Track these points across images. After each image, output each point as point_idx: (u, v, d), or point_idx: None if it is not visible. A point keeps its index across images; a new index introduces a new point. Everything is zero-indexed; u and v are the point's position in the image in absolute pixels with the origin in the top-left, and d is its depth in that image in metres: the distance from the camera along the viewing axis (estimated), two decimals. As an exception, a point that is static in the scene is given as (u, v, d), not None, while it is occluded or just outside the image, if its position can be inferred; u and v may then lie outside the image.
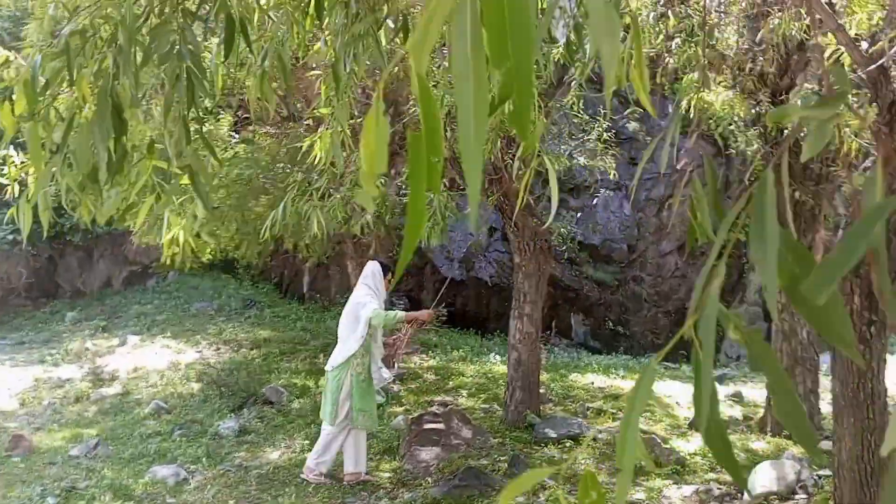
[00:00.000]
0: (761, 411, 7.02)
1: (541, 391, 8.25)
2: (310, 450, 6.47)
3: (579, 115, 7.84)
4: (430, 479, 5.54)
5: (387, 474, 5.80)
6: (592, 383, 9.14)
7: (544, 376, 9.49)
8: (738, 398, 7.93)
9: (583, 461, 5.96)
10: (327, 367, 5.81)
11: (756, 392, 8.06)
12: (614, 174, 8.45)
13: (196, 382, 9.78)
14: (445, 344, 12.42)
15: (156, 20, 1.90)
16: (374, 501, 5.29)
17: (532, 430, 6.65)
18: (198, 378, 9.92)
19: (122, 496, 5.20)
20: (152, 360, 11.65)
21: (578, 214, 14.88)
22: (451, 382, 9.17)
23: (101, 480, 5.56)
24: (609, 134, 8.51)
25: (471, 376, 9.45)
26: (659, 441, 6.15)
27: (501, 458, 5.76)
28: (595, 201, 14.99)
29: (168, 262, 10.47)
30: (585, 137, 8.30)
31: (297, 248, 9.39)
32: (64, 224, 16.21)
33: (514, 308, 7.14)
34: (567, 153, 8.15)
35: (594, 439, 6.46)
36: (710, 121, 10.62)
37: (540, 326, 7.13)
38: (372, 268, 6.29)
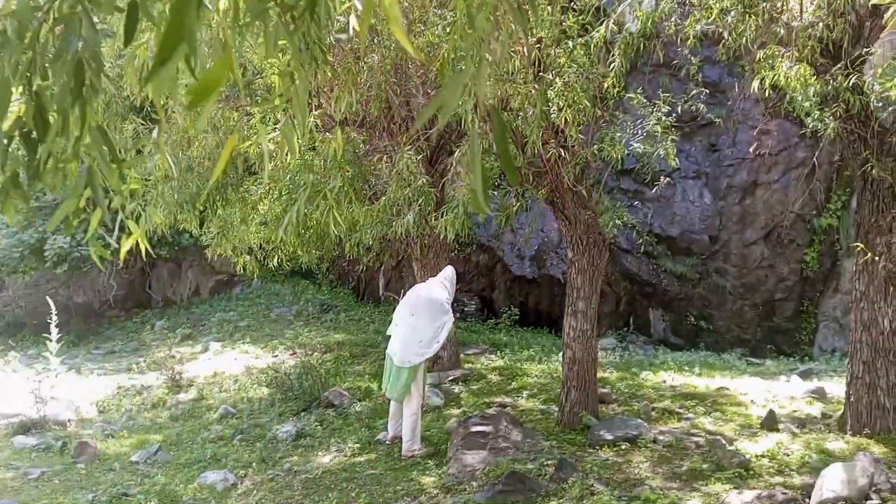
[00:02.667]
0: (842, 409, 6.44)
1: (604, 390, 7.91)
2: (359, 453, 6.44)
3: (636, 97, 7.42)
4: (474, 484, 5.35)
5: (432, 479, 5.65)
6: (664, 382, 8.70)
7: (612, 375, 9.13)
8: (819, 395, 7.33)
9: (638, 465, 5.61)
10: (405, 363, 6.26)
11: (841, 389, 7.43)
12: (674, 161, 7.95)
13: (266, 387, 9.93)
14: (515, 343, 12.17)
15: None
16: (415, 507, 5.15)
17: (587, 432, 6.34)
18: (268, 383, 10.07)
19: (170, 502, 5.27)
20: (230, 365, 11.95)
21: (654, 206, 14.30)
22: (514, 383, 8.92)
23: (153, 486, 5.67)
24: (670, 118, 8.04)
25: (535, 376, 9.18)
26: (724, 443, 5.72)
27: (549, 462, 5.49)
28: (673, 191, 14.36)
29: (241, 269, 10.71)
30: (643, 122, 7.86)
31: (359, 251, 9.35)
32: (152, 237, 16.90)
33: (568, 305, 6.85)
34: (623, 140, 7.73)
35: (654, 441, 6.08)
36: (788, 100, 9.97)
37: (595, 323, 6.81)
38: (451, 273, 7.04)
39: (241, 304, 17.15)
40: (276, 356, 12.37)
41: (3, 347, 11.40)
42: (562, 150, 6.31)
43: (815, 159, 13.30)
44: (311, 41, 2.17)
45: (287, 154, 6.23)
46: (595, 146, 8.02)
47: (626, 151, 8.59)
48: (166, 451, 6.89)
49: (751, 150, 13.43)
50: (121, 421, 8.84)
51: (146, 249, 2.81)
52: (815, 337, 12.86)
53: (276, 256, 10.17)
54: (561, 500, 4.97)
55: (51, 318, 11.13)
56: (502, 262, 14.70)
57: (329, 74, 8.85)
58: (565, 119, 5.94)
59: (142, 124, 7.90)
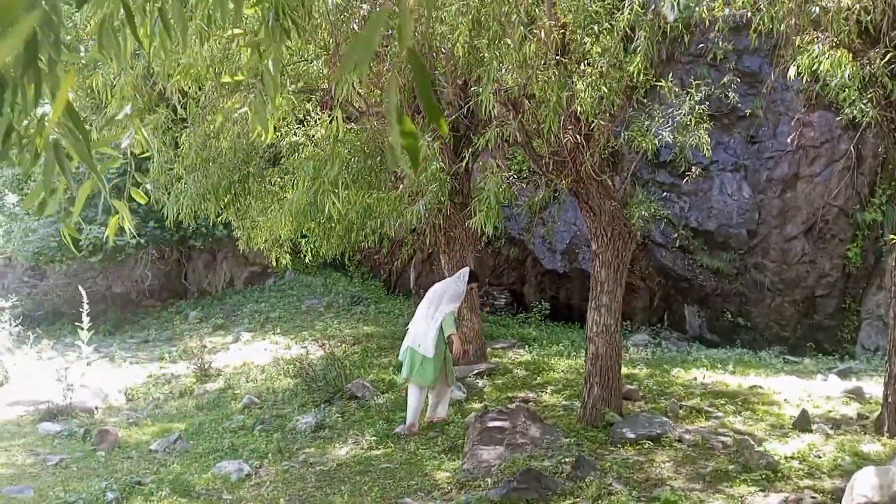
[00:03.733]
0: (879, 410, 6.13)
1: (630, 387, 7.69)
2: (376, 446, 6.36)
3: (668, 84, 7.14)
4: (489, 481, 5.20)
5: (446, 474, 5.52)
6: (695, 379, 8.43)
7: (641, 372, 8.89)
8: (856, 395, 7.00)
9: (660, 465, 5.40)
10: (428, 353, 6.79)
11: (881, 389, 7.09)
12: (707, 151, 7.66)
13: (292, 378, 9.92)
14: (544, 338, 11.98)
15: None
16: (428, 502, 5.03)
17: (609, 429, 6.15)
18: (294, 374, 10.05)
19: (182, 491, 5.24)
20: (259, 355, 12.00)
21: (690, 199, 13.93)
22: (539, 378, 8.75)
23: (167, 475, 5.65)
24: (704, 107, 7.75)
25: (562, 372, 8.99)
26: (752, 443, 5.48)
27: (567, 460, 5.32)
28: (710, 184, 13.97)
29: (274, 262, 10.70)
30: (675, 111, 7.59)
31: (377, 241, 9.26)
32: (187, 228, 17.10)
33: (592, 298, 6.65)
34: (653, 130, 7.48)
35: (679, 440, 5.86)
36: (828, 88, 9.58)
37: (619, 318, 6.59)
38: (464, 271, 7.31)
39: (274, 296, 17.25)
40: (305, 347, 12.36)
41: (38, 335, 11.58)
42: (579, 138, 6.09)
43: (856, 148, 12.80)
44: (281, 12, 2.05)
45: (263, 133, 6.18)
46: (624, 136, 7.79)
47: (657, 142, 8.36)
48: (186, 440, 6.89)
49: (789, 139, 12.97)
50: (147, 409, 8.91)
51: (129, 230, 2.71)
52: (857, 335, 12.39)
53: (306, 248, 10.15)
54: (577, 500, 4.80)
55: (82, 308, 11.32)
56: (533, 255, 14.49)
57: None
58: (586, 107, 5.73)
59: (171, 116, 7.92)
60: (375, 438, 6.52)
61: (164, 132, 7.54)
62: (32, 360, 12.04)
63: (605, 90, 7.33)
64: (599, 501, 4.73)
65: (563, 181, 6.64)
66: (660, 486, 4.98)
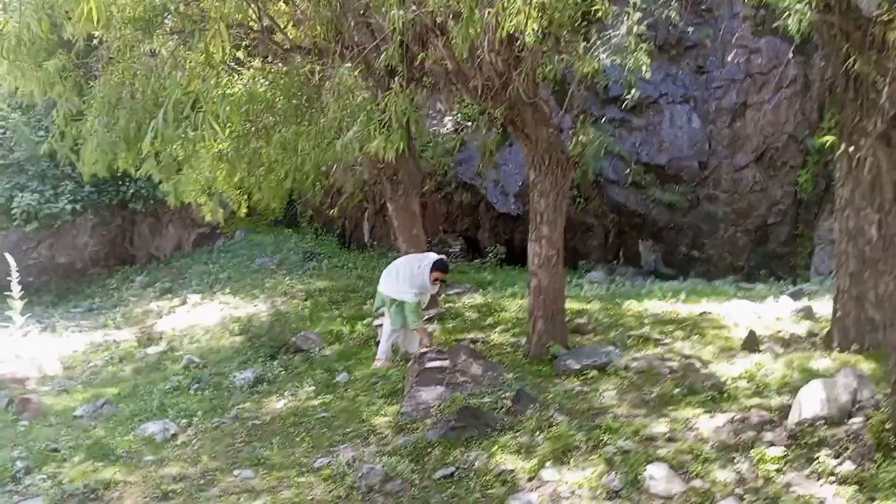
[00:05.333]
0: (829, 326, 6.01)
1: (580, 321, 7.51)
2: (314, 397, 6.09)
3: (601, 5, 6.78)
4: (427, 422, 4.96)
5: (386, 419, 5.27)
6: (646, 310, 8.27)
7: (593, 307, 8.71)
8: (807, 314, 6.89)
9: (604, 393, 5.21)
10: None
11: (830, 307, 7.00)
12: (648, 72, 7.35)
13: (240, 336, 9.56)
14: (500, 281, 11.76)
15: None
16: (362, 448, 4.77)
17: (554, 362, 5.94)
18: (241, 332, 9.70)
19: (99, 455, 4.90)
20: (207, 317, 11.59)
21: (641, 134, 13.71)
22: (490, 319, 8.52)
23: (87, 440, 5.30)
24: (642, 26, 7.40)
25: (513, 311, 8.77)
26: (698, 366, 5.32)
27: (508, 395, 5.10)
28: (660, 117, 13.74)
29: (207, 216, 10.19)
30: (612, 33, 7.24)
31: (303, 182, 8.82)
32: (126, 191, 16.45)
33: (532, 230, 6.39)
34: (590, 53, 7.14)
35: (625, 368, 5.67)
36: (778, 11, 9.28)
37: (561, 249, 6.34)
38: (424, 260, 7.09)
39: (224, 257, 16.75)
40: (256, 306, 11.99)
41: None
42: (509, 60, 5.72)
43: (804, 73, 12.65)
44: None
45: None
46: (557, 60, 7.45)
47: (603, 73, 8.03)
48: (114, 405, 6.53)
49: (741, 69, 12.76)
50: (82, 377, 8.51)
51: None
52: (811, 261, 12.39)
53: (238, 200, 9.72)
54: (517, 433, 4.58)
55: (11, 276, 10.77)
56: (486, 200, 14.19)
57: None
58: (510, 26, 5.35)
59: (73, 61, 7.35)
60: (313, 389, 6.24)
61: (64, 79, 6.97)
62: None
63: (546, 23, 6.98)
64: (539, 433, 4.52)
65: (497, 109, 6.30)
66: (602, 414, 4.79)
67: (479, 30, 5.20)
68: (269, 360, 7.84)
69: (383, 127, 5.18)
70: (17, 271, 11.07)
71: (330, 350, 7.99)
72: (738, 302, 8.13)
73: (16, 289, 10.64)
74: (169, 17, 7.59)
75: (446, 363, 5.68)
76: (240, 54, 10.14)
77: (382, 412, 5.42)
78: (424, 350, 6.47)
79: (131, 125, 6.51)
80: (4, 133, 15.42)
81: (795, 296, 8.20)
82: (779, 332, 6.48)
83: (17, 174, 15.30)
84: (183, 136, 7.69)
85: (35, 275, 18.81)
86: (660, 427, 4.49)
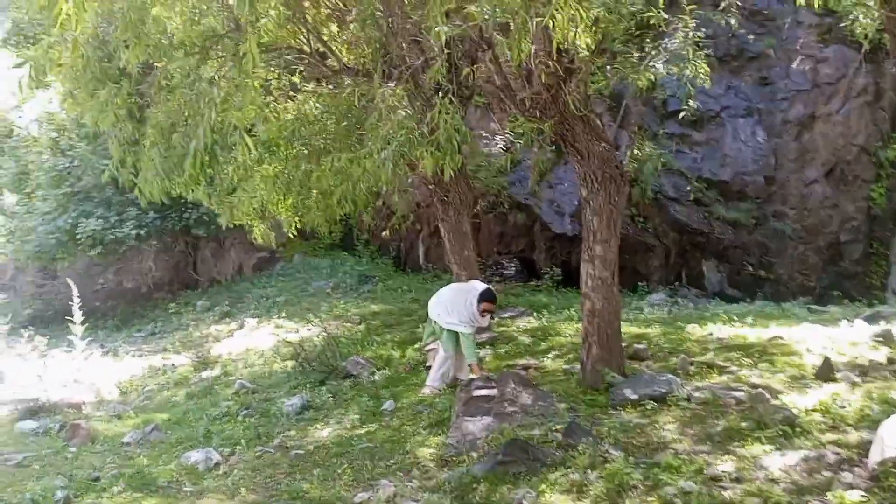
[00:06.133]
0: (913, 353, 5.51)
1: (639, 346, 7.14)
2: (360, 425, 5.91)
3: (655, 13, 6.51)
4: (474, 455, 4.70)
5: (430, 450, 5.03)
6: (711, 334, 7.83)
7: (653, 330, 8.32)
8: (885, 339, 6.36)
9: (664, 426, 4.85)
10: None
11: (913, 332, 6.46)
12: (707, 80, 6.98)
13: (291, 361, 9.51)
14: (555, 304, 11.42)
15: None
16: (405, 482, 4.54)
17: (610, 391, 5.60)
18: (293, 356, 9.65)
19: (139, 485, 4.82)
20: (262, 341, 11.62)
21: (703, 149, 13.21)
22: (544, 344, 8.22)
23: (130, 469, 5.24)
24: (700, 32, 7.06)
25: (569, 336, 8.44)
26: (768, 397, 4.91)
27: (559, 427, 4.80)
28: (722, 131, 13.23)
29: (259, 239, 10.21)
30: (665, 42, 6.94)
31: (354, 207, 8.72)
32: (189, 217, 16.77)
33: (584, 250, 6.09)
34: (646, 63, 6.84)
35: (686, 399, 5.29)
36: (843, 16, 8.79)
37: (616, 269, 6.02)
38: (473, 292, 6.85)
39: (281, 280, 16.88)
40: (310, 330, 11.97)
41: (32, 334, 11.30)
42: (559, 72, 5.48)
43: (875, 82, 11.99)
44: None
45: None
46: (610, 71, 7.18)
47: (662, 90, 7.68)
48: (163, 431, 6.50)
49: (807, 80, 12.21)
50: (136, 401, 8.56)
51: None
52: (887, 281, 11.65)
53: (288, 222, 9.69)
54: (568, 470, 4.28)
55: (73, 302, 10.95)
56: (541, 220, 13.89)
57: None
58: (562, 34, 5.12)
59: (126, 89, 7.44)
60: (359, 417, 6.06)
61: (118, 107, 7.05)
62: (32, 358, 11.78)
63: (600, 37, 6.74)
64: (592, 470, 4.20)
65: (547, 124, 6.06)
66: (662, 450, 4.44)
67: (530, 42, 4.99)
68: (318, 386, 7.71)
69: (433, 146, 4.98)
70: (81, 296, 11.30)
71: (379, 375, 7.81)
72: (809, 326, 7.62)
73: (77, 314, 10.84)
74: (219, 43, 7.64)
75: (494, 392, 5.42)
76: (295, 79, 10.23)
77: (427, 443, 5.19)
78: (472, 377, 6.23)
79: (188, 152, 6.51)
80: (72, 162, 15.94)
81: (872, 319, 7.63)
82: (855, 358, 5.99)
83: (83, 201, 15.78)
84: (233, 160, 7.71)
85: (102, 299, 19.41)
86: (725, 465, 4.12)
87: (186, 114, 7.32)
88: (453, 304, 6.76)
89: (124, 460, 5.65)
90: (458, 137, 5.08)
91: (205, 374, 9.68)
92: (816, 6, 6.73)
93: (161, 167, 7.14)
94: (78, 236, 14.94)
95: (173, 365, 10.74)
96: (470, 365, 6.70)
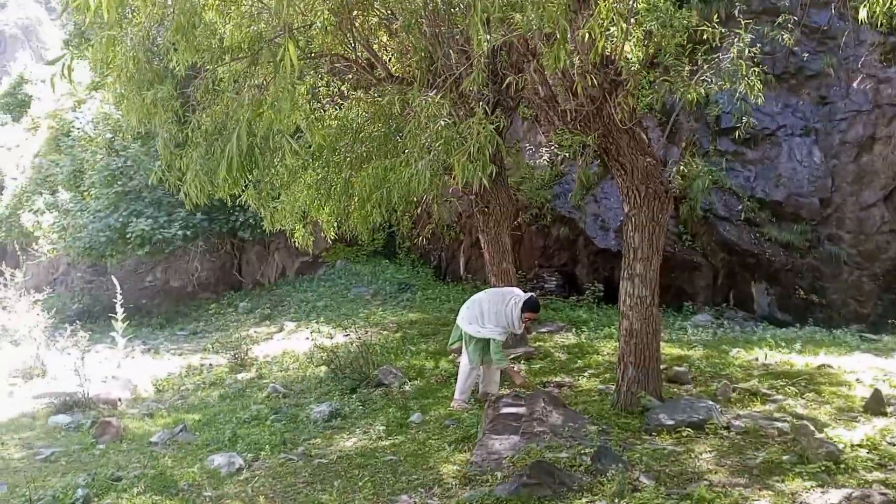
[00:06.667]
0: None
1: (679, 369, 6.90)
2: (385, 437, 5.80)
3: (708, 26, 6.29)
4: (498, 475, 4.54)
5: (454, 467, 4.89)
6: (756, 359, 7.53)
7: (696, 353, 8.04)
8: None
9: (700, 455, 4.62)
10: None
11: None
12: (760, 97, 6.71)
13: (325, 366, 9.48)
14: (595, 321, 11.18)
15: None
16: (425, 499, 4.41)
17: (645, 415, 5.39)
18: (326, 362, 9.63)
19: (160, 488, 4.79)
20: (300, 344, 11.65)
21: (756, 168, 12.81)
22: (581, 362, 8.02)
23: (153, 470, 5.22)
24: (755, 48, 6.80)
25: (606, 354, 8.23)
26: (812, 429, 4.64)
27: (588, 450, 4.61)
28: (777, 150, 12.81)
29: (300, 243, 10.24)
30: (718, 56, 6.69)
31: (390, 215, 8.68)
32: (236, 220, 16.99)
33: (624, 268, 5.90)
34: (697, 77, 6.59)
35: (726, 427, 5.05)
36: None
37: (656, 288, 5.81)
38: (515, 299, 6.55)
39: (323, 285, 16.97)
40: (347, 336, 11.95)
41: (75, 329, 11.51)
42: (605, 84, 5.32)
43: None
44: None
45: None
46: (657, 84, 6.96)
47: (716, 105, 7.39)
48: (192, 432, 6.49)
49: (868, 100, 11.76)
50: (171, 400, 8.61)
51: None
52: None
53: (327, 227, 9.69)
54: (595, 497, 4.09)
55: (116, 300, 11.15)
56: (584, 234, 13.64)
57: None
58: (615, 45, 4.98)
59: (172, 91, 7.52)
60: (385, 428, 5.95)
61: (165, 109, 7.13)
62: (75, 353, 12.02)
63: (652, 51, 6.55)
64: (620, 498, 4.01)
65: (591, 136, 5.90)
66: (696, 480, 4.22)
67: (569, 52, 4.85)
68: (348, 394, 7.65)
69: (465, 156, 4.87)
70: (129, 294, 11.51)
71: (410, 386, 7.72)
72: (861, 355, 7.27)
73: (119, 311, 11.02)
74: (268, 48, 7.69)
75: (523, 410, 5.25)
76: (344, 87, 10.26)
77: (451, 459, 5.05)
78: (502, 393, 6.08)
79: (232, 155, 6.53)
80: (125, 162, 16.30)
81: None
82: (909, 392, 5.67)
83: (134, 201, 16.11)
84: (278, 164, 7.72)
85: (149, 297, 19.81)
86: (762, 501, 3.88)
87: (231, 118, 7.37)
88: (490, 308, 6.53)
89: (149, 460, 5.65)
90: (491, 148, 4.94)
91: (240, 376, 9.71)
92: (880, 24, 6.42)
93: (202, 170, 7.19)
94: (128, 235, 15.25)
95: (210, 365, 10.81)
96: (498, 370, 6.56)
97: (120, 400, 8.41)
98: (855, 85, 12.44)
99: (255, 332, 13.56)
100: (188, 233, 15.90)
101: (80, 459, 5.79)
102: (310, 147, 8.36)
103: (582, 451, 4.62)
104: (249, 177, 7.46)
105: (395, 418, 6.25)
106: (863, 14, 5.89)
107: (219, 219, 16.86)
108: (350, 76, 9.77)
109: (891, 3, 5.83)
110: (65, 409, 7.57)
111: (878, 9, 5.83)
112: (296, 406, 7.35)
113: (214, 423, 6.97)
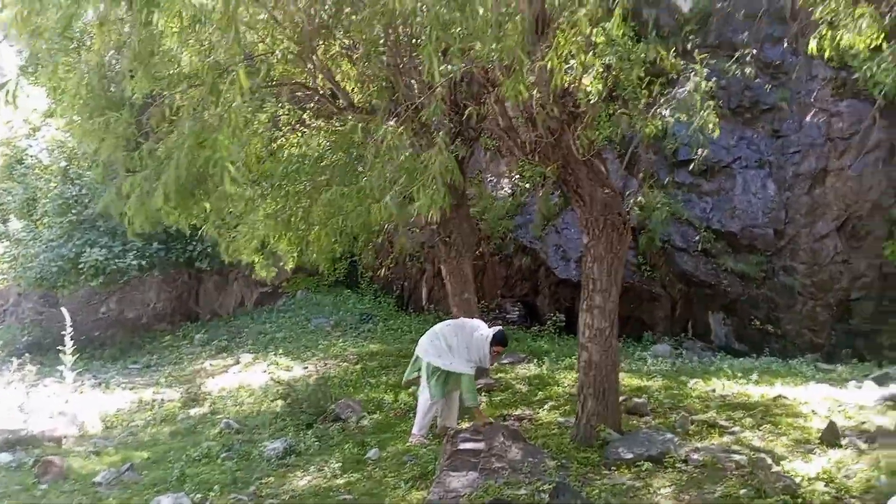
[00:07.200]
0: (925, 421, 5.23)
1: (639, 400, 6.88)
2: (340, 474, 5.64)
3: (665, 56, 6.39)
4: (455, 513, 4.43)
5: (411, 505, 4.77)
6: (713, 391, 7.55)
7: (655, 384, 8.05)
8: (894, 402, 6.07)
9: (658, 491, 4.57)
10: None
11: (926, 396, 6.17)
12: (716, 130, 6.80)
13: (282, 400, 9.26)
14: (556, 352, 11.16)
15: None
16: (380, 540, 4.28)
17: (605, 448, 5.33)
18: (283, 396, 9.40)
19: (101, 530, 4.57)
20: (256, 378, 11.40)
21: (712, 199, 13.03)
22: (542, 393, 7.96)
23: (95, 511, 5.00)
24: (711, 82, 6.91)
25: (567, 385, 8.19)
26: (769, 462, 4.63)
27: (546, 487, 4.52)
28: (733, 182, 13.05)
29: (259, 273, 10.03)
30: (675, 90, 6.79)
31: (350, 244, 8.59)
32: (193, 250, 16.69)
33: (583, 299, 5.89)
34: (654, 110, 6.68)
35: (684, 461, 5.02)
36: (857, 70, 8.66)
37: (615, 320, 5.80)
38: (487, 335, 6.41)
39: (282, 316, 16.72)
40: (305, 368, 11.75)
41: (22, 362, 11.08)
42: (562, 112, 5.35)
43: (889, 137, 11.81)
44: None
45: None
46: (622, 118, 7.04)
47: (673, 138, 7.46)
48: (138, 472, 6.25)
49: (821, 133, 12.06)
50: (119, 437, 8.31)
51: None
52: (899, 339, 11.30)
53: (288, 257, 9.55)
54: (553, 535, 4.00)
55: (65, 332, 10.78)
56: (546, 264, 13.68)
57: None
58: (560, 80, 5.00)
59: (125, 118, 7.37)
60: (341, 465, 5.79)
61: (116, 136, 6.96)
62: (21, 388, 11.57)
63: (611, 84, 6.63)
64: (579, 536, 3.93)
65: (551, 167, 5.91)
66: (655, 516, 4.17)
67: (528, 84, 4.87)
68: (304, 429, 7.46)
69: (427, 186, 4.83)
70: (82, 325, 11.14)
71: (369, 420, 7.56)
72: (816, 385, 7.35)
73: (69, 343, 10.65)
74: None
75: (482, 445, 5.16)
76: (305, 115, 10.19)
77: (408, 498, 4.92)
78: (461, 428, 5.97)
79: (178, 184, 6.38)
80: (80, 190, 15.93)
81: (881, 380, 7.35)
82: (863, 423, 5.71)
83: (88, 230, 15.72)
84: (231, 193, 7.57)
85: (102, 329, 19.23)
86: (720, 537, 3.85)
87: (186, 146, 7.23)
88: (459, 342, 6.35)
89: (93, 501, 5.40)
90: (450, 177, 4.91)
91: (192, 412, 9.43)
92: (827, 57, 6.59)
93: (146, 198, 7.01)
94: (80, 265, 14.85)
95: (163, 400, 10.49)
96: (473, 409, 6.43)
97: (66, 437, 8.08)
98: (808, 119, 12.77)
99: (211, 364, 13.25)
100: (144, 263, 15.55)
101: (19, 500, 5.51)
102: (268, 176, 8.27)
103: (540, 488, 4.53)
104: (196, 206, 7.31)
105: (352, 454, 6.10)
106: (812, 45, 6.05)
107: (176, 248, 16.54)
108: (312, 105, 9.72)
109: (838, 39, 6.01)
110: (7, 448, 7.23)
111: (825, 43, 6.01)
112: (249, 442, 7.14)
113: (163, 461, 6.73)
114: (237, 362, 12.98)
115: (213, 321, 17.81)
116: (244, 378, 11.47)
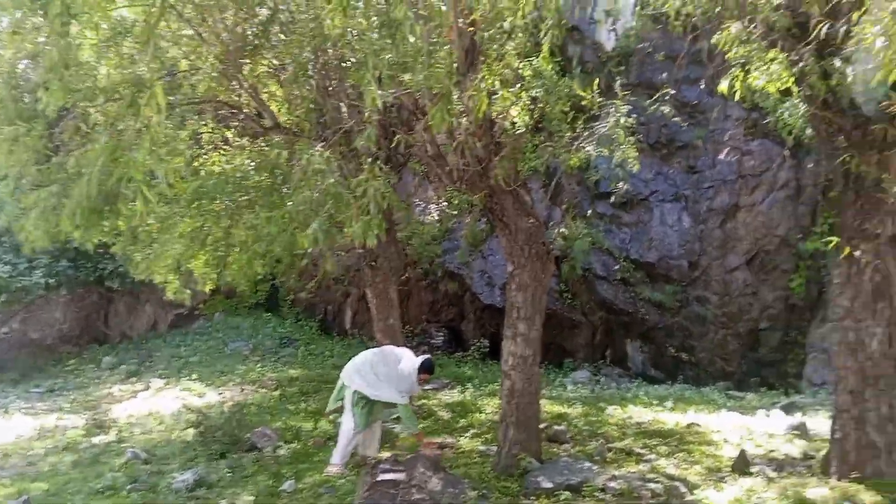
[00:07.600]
0: (827, 448, 5.45)
1: (559, 428, 6.93)
2: (254, 506, 5.42)
3: (588, 95, 6.58)
4: (374, 546, 4.33)
5: (328, 539, 4.63)
6: (630, 418, 7.70)
7: (574, 411, 8.15)
8: (801, 432, 6.34)
9: (578, 520, 4.60)
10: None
11: (827, 425, 6.45)
12: (636, 164, 7.03)
13: (193, 429, 8.89)
14: (480, 378, 11.17)
15: None
16: (295, 576, 4.12)
17: (525, 478, 5.33)
18: (196, 424, 9.03)
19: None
20: (167, 404, 10.92)
21: (631, 230, 13.42)
22: (464, 420, 7.93)
23: (-15, 550, 4.65)
24: (631, 118, 7.14)
25: (490, 412, 8.18)
26: (683, 491, 4.72)
27: (467, 518, 4.49)
28: (650, 215, 13.48)
29: (173, 295, 9.68)
30: (597, 124, 6.98)
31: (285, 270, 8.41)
32: (104, 269, 16.00)
33: (507, 327, 5.91)
34: (578, 143, 6.85)
35: (602, 489, 5.07)
36: (768, 112, 9.07)
37: (539, 348, 5.85)
38: (414, 363, 6.30)
39: (198, 339, 16.14)
40: (221, 395, 11.34)
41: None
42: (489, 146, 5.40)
43: (796, 177, 12.48)
44: None
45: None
46: (546, 150, 7.17)
47: (593, 168, 7.68)
48: (35, 504, 5.86)
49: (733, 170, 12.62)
50: (17, 467, 7.79)
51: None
52: (803, 370, 11.84)
53: (203, 279, 9.24)
54: (472, 568, 3.95)
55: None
56: (471, 290, 13.74)
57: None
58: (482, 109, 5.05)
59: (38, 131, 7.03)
60: (254, 499, 5.58)
61: (27, 149, 6.63)
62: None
63: (537, 116, 6.77)
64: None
65: (478, 196, 5.94)
66: (573, 547, 4.17)
67: (455, 113, 4.90)
68: (217, 459, 7.17)
69: (362, 212, 4.74)
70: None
71: (286, 449, 7.34)
72: (727, 414, 7.59)
73: (-37, 366, 10.00)
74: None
75: (402, 476, 5.07)
76: (229, 133, 9.94)
77: (326, 531, 4.78)
78: (381, 457, 5.87)
79: (85, 201, 6.09)
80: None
81: (788, 409, 7.66)
82: (771, 451, 5.92)
83: (-2, 246, 14.88)
84: (143, 211, 7.29)
85: (4, 350, 18.08)
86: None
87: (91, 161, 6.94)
88: (388, 371, 6.21)
89: (-18, 539, 5.03)
90: (385, 204, 4.86)
91: (97, 440, 8.94)
92: (739, 98, 6.91)
93: (50, 212, 6.69)
94: (-22, 282, 14.00)
95: (66, 427, 9.92)
96: (415, 435, 6.37)
97: (-45, 468, 7.52)
98: (721, 156, 13.35)
99: (119, 389, 12.65)
100: (51, 281, 14.80)
101: None
102: (184, 195, 8.00)
103: (461, 519, 4.48)
104: (107, 223, 7.01)
105: (266, 487, 5.89)
106: (723, 86, 6.33)
107: (85, 266, 15.82)
108: (236, 123, 9.52)
109: (751, 81, 6.31)
110: None
111: (737, 84, 6.29)
112: (157, 474, 6.81)
113: (63, 493, 6.33)
114: (147, 388, 12.44)
115: (124, 343, 17.04)
116: (154, 404, 10.98)
